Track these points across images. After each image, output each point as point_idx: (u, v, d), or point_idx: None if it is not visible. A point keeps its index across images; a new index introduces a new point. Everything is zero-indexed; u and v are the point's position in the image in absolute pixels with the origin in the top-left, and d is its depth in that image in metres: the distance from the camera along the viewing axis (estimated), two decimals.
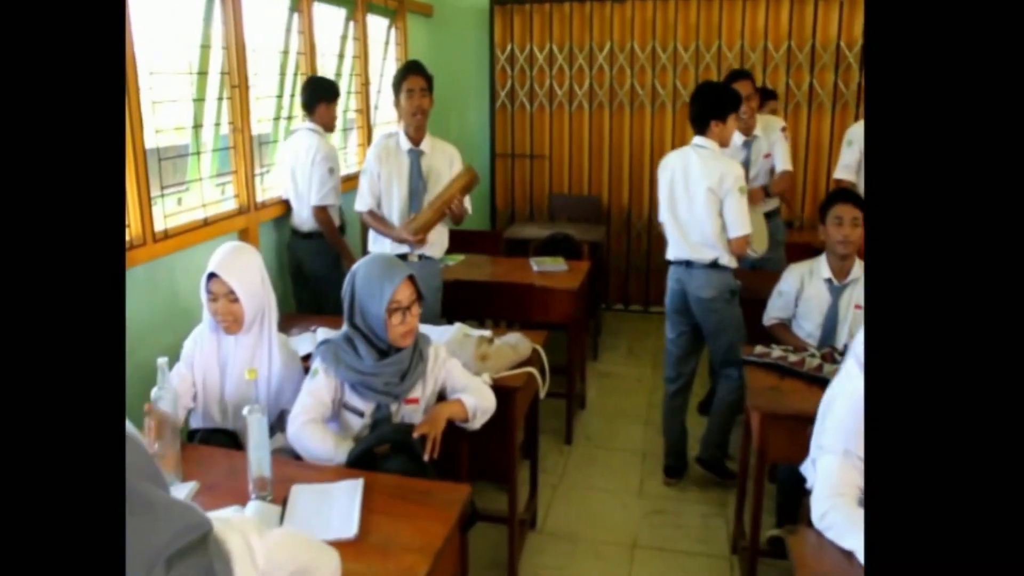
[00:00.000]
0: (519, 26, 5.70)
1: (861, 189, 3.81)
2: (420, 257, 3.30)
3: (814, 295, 2.97)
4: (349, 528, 1.66)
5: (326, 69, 4.42)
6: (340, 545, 1.60)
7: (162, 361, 1.92)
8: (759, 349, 2.75)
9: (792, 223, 4.69)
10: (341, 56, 4.65)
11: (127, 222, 2.82)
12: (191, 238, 3.13)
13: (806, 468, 1.98)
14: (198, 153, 3.32)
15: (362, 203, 3.36)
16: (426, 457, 2.03)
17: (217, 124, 3.45)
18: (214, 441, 2.18)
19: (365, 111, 4.87)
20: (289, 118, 4.10)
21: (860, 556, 1.59)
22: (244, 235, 3.53)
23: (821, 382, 2.42)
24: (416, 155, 3.27)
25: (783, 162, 3.92)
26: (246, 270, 2.22)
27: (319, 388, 2.15)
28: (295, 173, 3.70)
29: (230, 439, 2.21)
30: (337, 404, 2.18)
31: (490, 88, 5.81)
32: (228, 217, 3.42)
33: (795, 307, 3.03)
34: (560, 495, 3.36)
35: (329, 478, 1.88)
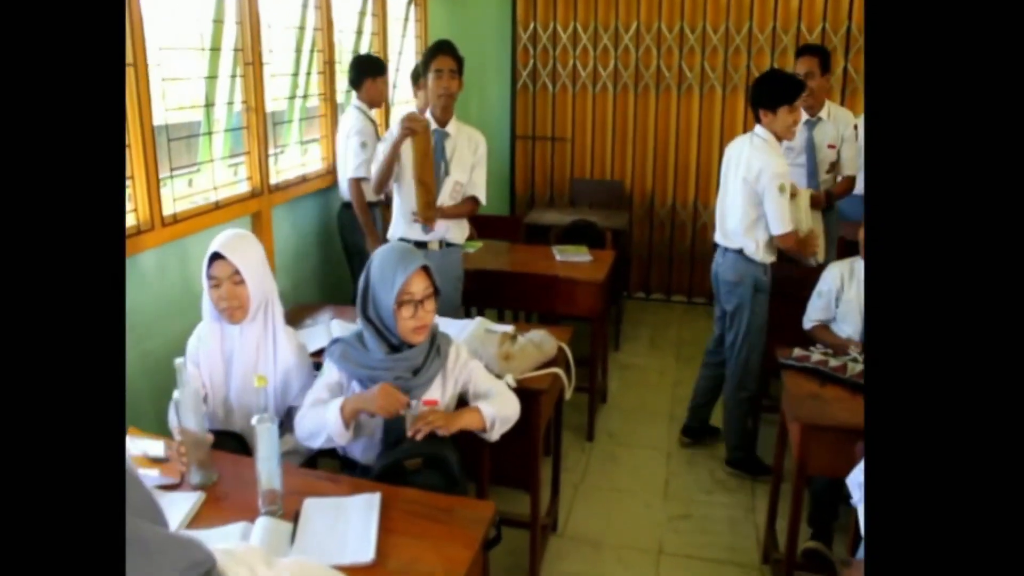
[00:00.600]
0: (542, 4, 5.50)
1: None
2: (441, 244, 3.16)
3: (854, 297, 2.80)
4: (366, 551, 1.53)
5: (343, 46, 4.26)
6: (357, 571, 1.48)
7: (179, 362, 1.78)
8: (798, 352, 2.59)
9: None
10: (359, 33, 4.48)
11: (134, 206, 2.69)
12: (202, 222, 3.00)
13: (852, 482, 1.84)
14: (209, 133, 3.18)
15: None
16: (410, 433, 1.88)
17: (230, 103, 3.30)
18: (219, 445, 2.05)
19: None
20: (304, 96, 3.95)
21: None
22: (257, 219, 3.40)
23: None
24: (441, 136, 3.11)
25: (849, 166, 3.81)
26: (249, 252, 2.10)
27: (324, 384, 2.04)
28: (339, 147, 3.92)
29: (236, 442, 2.09)
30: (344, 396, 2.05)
31: (511, 68, 5.63)
32: (240, 200, 3.28)
33: (835, 308, 2.87)
34: (582, 495, 3.23)
35: (344, 491, 1.75)
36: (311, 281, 3.96)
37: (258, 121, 3.35)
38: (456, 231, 3.19)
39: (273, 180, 3.53)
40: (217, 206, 3.11)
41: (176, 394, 1.75)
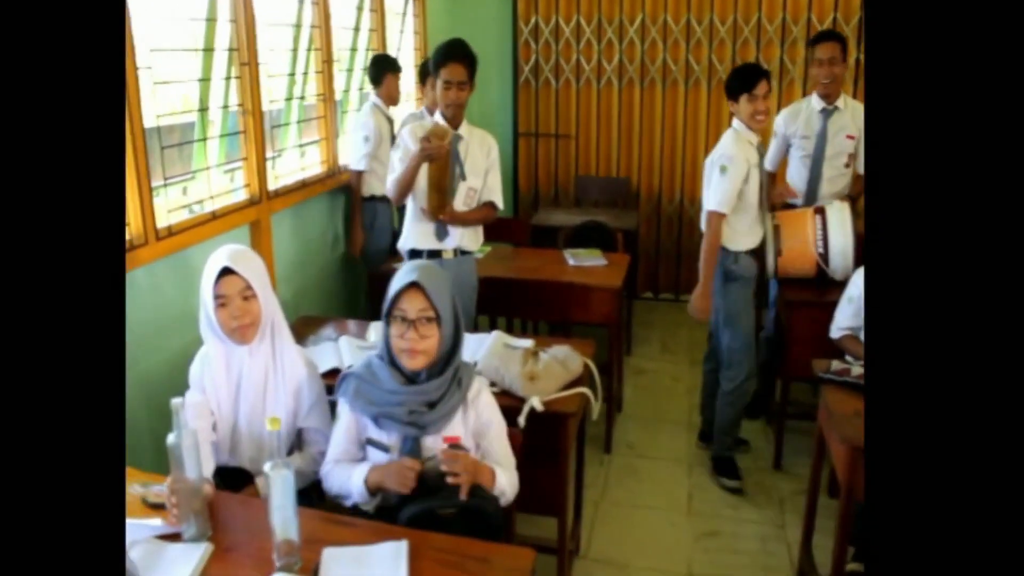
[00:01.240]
0: None
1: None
2: (456, 252, 2.99)
3: None
4: None
5: (340, 43, 4.08)
6: None
7: (176, 402, 1.59)
8: (836, 365, 2.44)
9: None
10: (356, 29, 4.30)
11: (126, 219, 2.52)
12: (198, 234, 2.82)
13: None
14: (204, 139, 3.00)
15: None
16: (456, 484, 1.71)
17: (225, 107, 3.13)
18: (227, 483, 1.89)
19: None
20: (302, 98, 3.77)
21: None
22: (256, 228, 3.23)
23: None
24: (455, 139, 2.94)
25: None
26: (256, 265, 1.95)
27: (342, 429, 1.89)
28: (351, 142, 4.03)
29: (245, 478, 1.92)
30: (360, 440, 1.89)
31: (513, 63, 5.46)
32: (238, 209, 3.11)
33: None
34: (603, 513, 3.08)
35: (366, 538, 1.59)
36: (313, 291, 3.80)
37: (255, 125, 3.18)
38: (471, 238, 3.02)
39: (271, 186, 3.35)
40: (214, 216, 2.94)
41: (171, 438, 1.58)
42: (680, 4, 5.10)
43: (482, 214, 3.01)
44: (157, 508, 1.69)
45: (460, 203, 2.93)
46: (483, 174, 2.98)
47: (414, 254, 3.01)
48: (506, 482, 1.83)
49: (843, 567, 2.29)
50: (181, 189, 2.98)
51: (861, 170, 3.65)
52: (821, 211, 3.24)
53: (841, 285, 2.97)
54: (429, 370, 1.83)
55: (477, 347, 2.41)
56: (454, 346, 1.86)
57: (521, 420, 2.16)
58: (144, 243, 2.54)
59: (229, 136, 3.18)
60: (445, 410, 1.82)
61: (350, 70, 4.30)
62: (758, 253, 3.20)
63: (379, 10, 4.40)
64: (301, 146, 3.83)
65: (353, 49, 4.29)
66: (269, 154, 3.34)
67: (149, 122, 2.57)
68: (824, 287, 3.20)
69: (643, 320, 5.15)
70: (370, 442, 1.85)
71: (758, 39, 5.02)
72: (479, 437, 1.88)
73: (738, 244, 3.10)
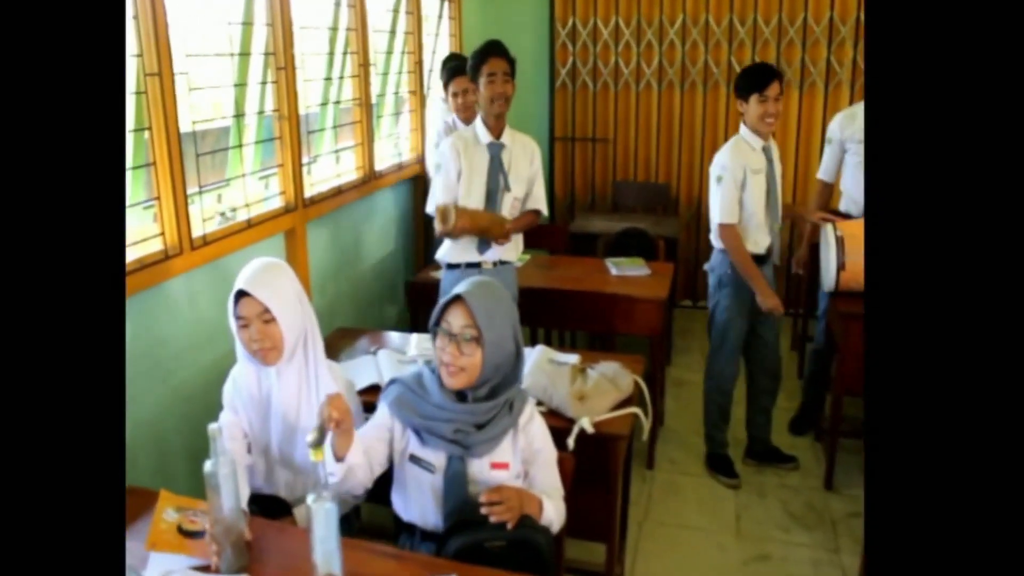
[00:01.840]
0: None
1: (842, 194, 3.44)
2: (495, 263, 2.89)
3: None
4: None
5: (377, 47, 4.01)
6: None
7: (214, 428, 1.50)
8: None
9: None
10: (392, 33, 4.23)
11: (161, 229, 2.45)
12: (233, 243, 2.76)
13: None
14: (240, 146, 2.93)
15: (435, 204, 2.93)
16: (485, 509, 1.60)
17: (260, 112, 3.06)
18: (264, 511, 1.81)
19: (419, 92, 4.45)
20: (337, 103, 3.70)
21: None
22: (291, 236, 3.16)
23: None
24: (497, 148, 2.83)
25: None
26: (279, 286, 1.85)
27: (373, 425, 1.78)
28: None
29: (282, 508, 1.84)
30: (402, 455, 1.78)
31: (549, 66, 5.35)
32: (273, 217, 3.04)
33: None
34: (647, 534, 2.96)
35: (413, 571, 1.50)
36: (347, 301, 3.72)
37: (291, 130, 3.11)
38: (511, 248, 2.91)
39: (307, 193, 3.28)
40: (249, 224, 2.87)
41: (208, 466, 1.49)
42: (722, 5, 4.96)
43: (527, 222, 2.91)
44: (193, 536, 1.62)
45: (505, 214, 2.83)
46: (526, 182, 2.88)
47: (452, 266, 2.91)
48: (553, 513, 1.73)
49: None
50: (216, 196, 2.92)
51: None
52: None
53: None
54: (474, 391, 1.73)
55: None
56: (508, 377, 1.74)
57: (570, 442, 2.06)
58: (179, 253, 2.47)
59: (264, 142, 3.11)
60: (493, 433, 1.71)
61: (386, 74, 4.22)
62: (763, 261, 3.15)
63: (415, 13, 4.32)
64: (336, 152, 3.76)
65: (389, 52, 4.22)
66: (304, 160, 3.27)
67: (184, 127, 2.51)
68: None
69: (683, 328, 5.02)
70: (413, 459, 1.75)
71: (804, 40, 4.87)
72: (528, 464, 1.77)
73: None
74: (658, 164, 5.33)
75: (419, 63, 4.42)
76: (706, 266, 3.29)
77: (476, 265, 2.84)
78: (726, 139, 5.06)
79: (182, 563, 1.55)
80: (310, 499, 1.40)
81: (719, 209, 3.04)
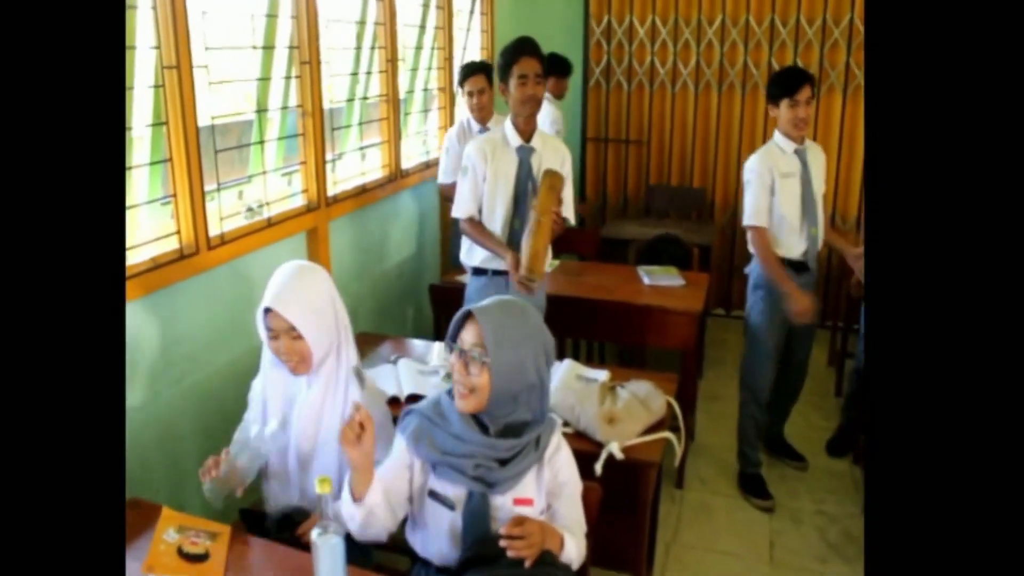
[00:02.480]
0: None
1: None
2: None
3: None
4: None
5: (406, 42, 3.90)
6: None
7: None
8: None
9: None
10: (422, 27, 4.12)
11: (177, 228, 2.36)
12: (252, 242, 2.66)
13: None
14: (261, 142, 2.84)
15: (462, 209, 2.76)
16: (504, 542, 1.46)
17: (284, 108, 2.96)
18: (271, 532, 1.71)
19: (448, 89, 4.33)
20: (364, 98, 3.59)
21: None
22: (312, 236, 3.06)
23: None
24: (527, 152, 2.70)
25: None
26: (309, 300, 1.76)
27: (391, 465, 1.64)
28: None
29: (295, 522, 1.74)
30: (421, 490, 1.64)
31: (583, 64, 5.21)
32: (295, 216, 2.94)
33: None
34: (675, 558, 2.82)
35: None
36: (369, 304, 3.62)
37: (316, 126, 3.00)
38: None
39: (330, 192, 3.18)
40: (269, 223, 2.77)
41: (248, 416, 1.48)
42: (764, 4, 4.78)
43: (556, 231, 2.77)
44: (193, 559, 1.52)
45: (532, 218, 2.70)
46: None
47: (478, 272, 2.79)
48: (575, 552, 1.59)
49: None
50: (237, 193, 2.82)
51: None
52: None
53: None
54: (492, 419, 1.59)
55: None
56: (534, 413, 1.60)
57: (598, 468, 1.93)
58: (195, 252, 2.38)
59: (287, 138, 3.01)
60: (518, 470, 1.57)
61: (415, 69, 4.11)
62: (799, 268, 3.04)
63: (446, 7, 4.20)
64: (362, 149, 3.65)
65: (418, 48, 4.10)
66: (328, 157, 3.17)
67: (203, 121, 2.41)
68: None
69: (715, 339, 4.85)
70: (432, 495, 1.62)
71: (849, 41, 4.67)
72: (552, 497, 1.63)
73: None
74: (693, 168, 5.16)
75: (449, 59, 4.30)
76: (745, 269, 3.23)
77: (502, 273, 2.70)
78: (764, 143, 4.93)
79: None
80: (315, 534, 1.29)
81: (747, 211, 3.02)
